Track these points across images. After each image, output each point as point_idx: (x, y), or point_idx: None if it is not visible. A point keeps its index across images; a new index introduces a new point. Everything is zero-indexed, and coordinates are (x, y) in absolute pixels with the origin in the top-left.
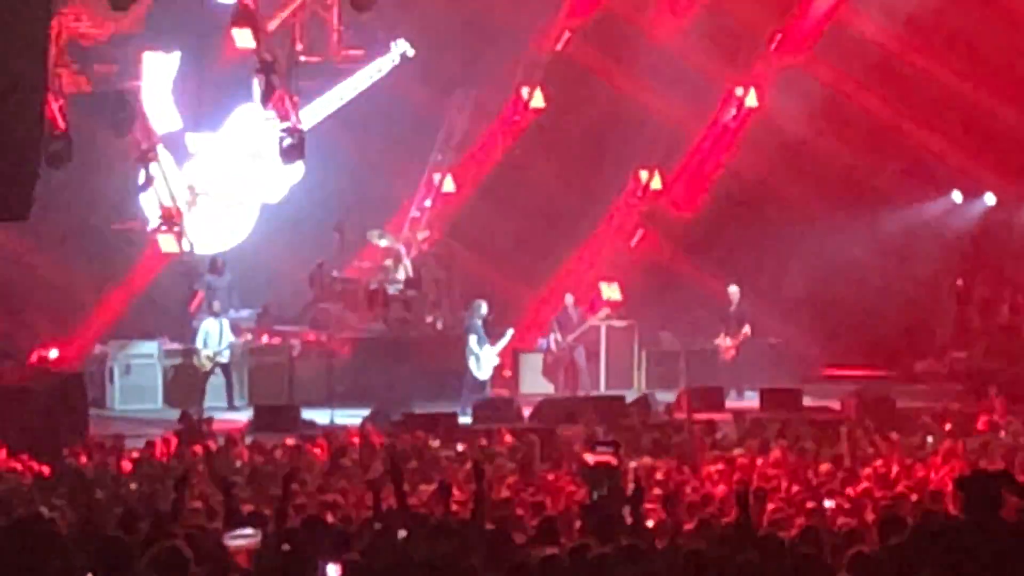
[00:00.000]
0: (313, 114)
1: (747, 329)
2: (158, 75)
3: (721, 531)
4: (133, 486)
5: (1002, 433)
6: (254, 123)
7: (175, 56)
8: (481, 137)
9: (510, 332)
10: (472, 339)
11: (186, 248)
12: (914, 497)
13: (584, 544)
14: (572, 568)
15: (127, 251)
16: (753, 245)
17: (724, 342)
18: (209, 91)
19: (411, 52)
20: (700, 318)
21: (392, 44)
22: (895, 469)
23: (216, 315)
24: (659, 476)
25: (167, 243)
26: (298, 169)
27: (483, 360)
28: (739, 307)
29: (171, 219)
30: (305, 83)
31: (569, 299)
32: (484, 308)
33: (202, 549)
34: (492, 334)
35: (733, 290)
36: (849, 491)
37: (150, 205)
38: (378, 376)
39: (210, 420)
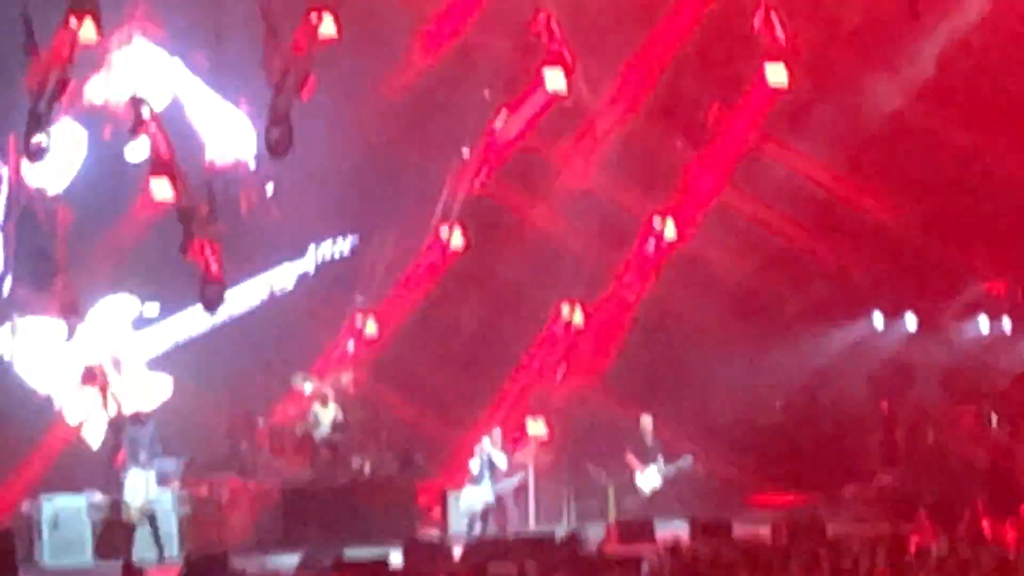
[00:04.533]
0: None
1: (688, 460)
2: None
3: None
4: None
5: (933, 555)
6: (117, 317)
7: None
8: (402, 278)
9: (519, 476)
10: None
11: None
12: None
13: None
14: None
15: (50, 405)
16: (676, 373)
17: (646, 474)
18: None
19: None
20: (627, 450)
21: (311, 248)
22: None
23: (142, 466)
24: None
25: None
26: (166, 385)
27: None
28: (655, 437)
29: (94, 377)
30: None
31: (497, 435)
32: (488, 442)
33: None
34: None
35: (646, 420)
36: None
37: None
38: (308, 522)
39: (141, 571)
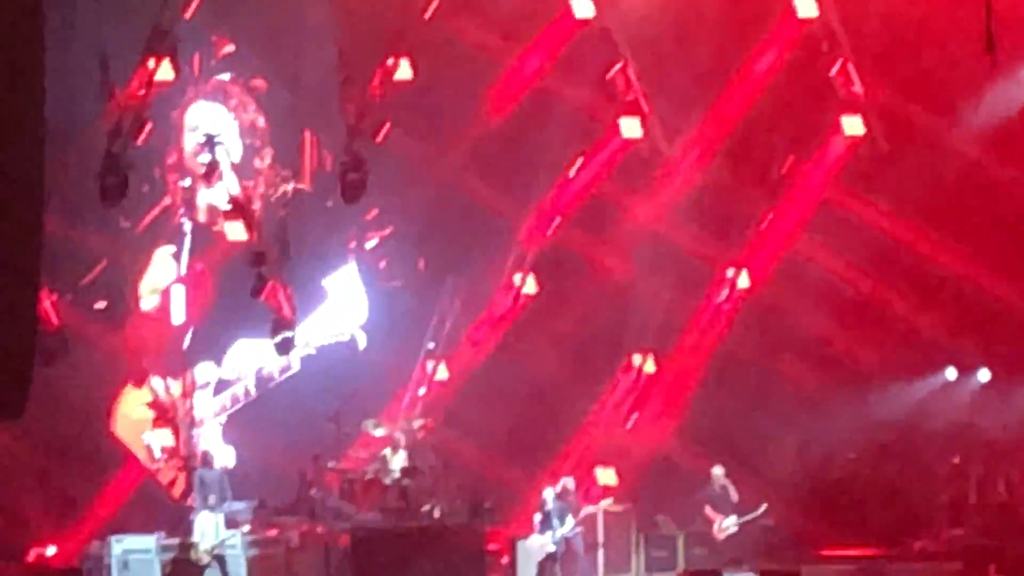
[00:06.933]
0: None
1: (763, 509)
2: None
3: None
4: None
5: None
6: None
7: None
8: (474, 324)
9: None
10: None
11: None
12: None
13: None
14: None
15: (120, 446)
16: (747, 424)
17: (720, 524)
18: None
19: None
20: (697, 500)
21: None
22: None
23: (211, 508)
24: None
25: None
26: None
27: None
28: (726, 488)
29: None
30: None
31: (570, 483)
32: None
33: None
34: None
35: (717, 472)
36: None
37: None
38: (376, 567)
39: None
